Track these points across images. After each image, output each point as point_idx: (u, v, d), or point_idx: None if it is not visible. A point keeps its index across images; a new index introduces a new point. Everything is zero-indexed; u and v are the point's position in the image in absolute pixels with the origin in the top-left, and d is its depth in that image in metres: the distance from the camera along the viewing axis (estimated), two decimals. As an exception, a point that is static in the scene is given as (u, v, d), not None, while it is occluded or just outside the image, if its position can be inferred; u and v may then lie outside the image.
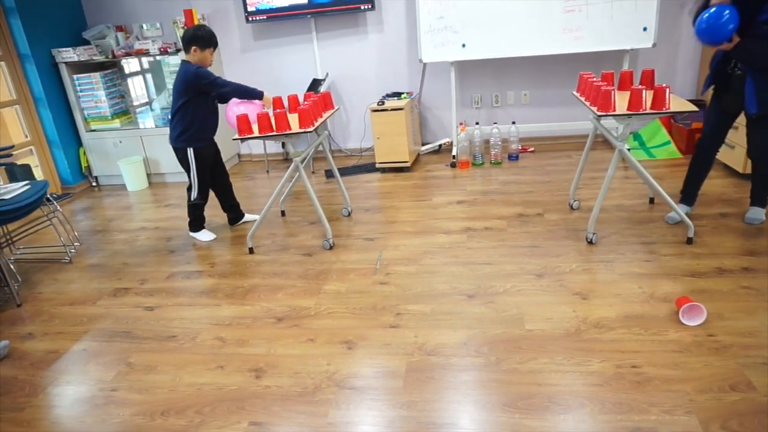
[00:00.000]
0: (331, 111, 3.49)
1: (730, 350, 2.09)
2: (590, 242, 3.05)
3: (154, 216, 4.31)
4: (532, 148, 4.92)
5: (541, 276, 2.77)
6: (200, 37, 3.19)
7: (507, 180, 4.23)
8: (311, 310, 2.69)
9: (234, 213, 3.84)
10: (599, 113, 2.71)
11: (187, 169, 3.45)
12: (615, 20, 4.23)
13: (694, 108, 2.66)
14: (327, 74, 5.05)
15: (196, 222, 3.66)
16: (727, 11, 2.41)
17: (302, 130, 3.00)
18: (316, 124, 3.11)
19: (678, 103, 2.76)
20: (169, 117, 3.39)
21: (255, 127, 3.06)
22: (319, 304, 2.74)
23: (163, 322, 2.72)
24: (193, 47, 3.20)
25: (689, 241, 2.94)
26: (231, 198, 3.80)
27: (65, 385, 2.30)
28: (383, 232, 3.50)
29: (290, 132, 3.01)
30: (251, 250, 3.41)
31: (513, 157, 4.70)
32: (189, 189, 3.53)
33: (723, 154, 3.82)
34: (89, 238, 3.96)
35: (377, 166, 4.70)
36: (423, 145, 5.16)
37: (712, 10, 2.46)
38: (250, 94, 3.29)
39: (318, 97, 3.39)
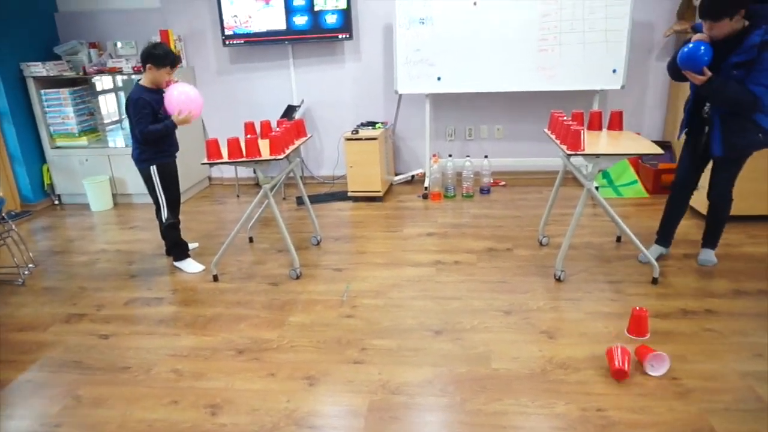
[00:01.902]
0: (304, 138, 3.46)
1: (693, 394, 2.08)
2: (558, 279, 3.06)
3: (117, 238, 4.18)
4: (503, 182, 4.96)
5: (509, 313, 2.75)
6: (155, 56, 3.11)
7: (478, 213, 4.24)
8: (274, 342, 2.61)
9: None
10: (569, 152, 2.74)
11: (152, 189, 3.32)
12: (586, 61, 4.35)
13: (660, 151, 2.71)
14: (302, 101, 5.04)
15: (179, 248, 3.46)
16: (703, 47, 2.57)
17: (272, 157, 2.96)
18: (287, 152, 3.07)
19: (646, 145, 2.82)
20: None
21: (225, 152, 3.01)
22: (282, 336, 2.66)
23: (117, 352, 2.60)
24: (148, 65, 3.12)
25: (654, 281, 2.96)
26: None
27: (5, 419, 2.16)
28: (352, 263, 3.45)
29: (260, 159, 2.97)
30: (215, 278, 3.32)
31: (485, 191, 4.73)
32: (158, 212, 3.38)
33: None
34: (47, 260, 3.80)
35: (349, 194, 4.67)
36: (396, 175, 5.16)
37: (691, 45, 2.61)
38: (168, 130, 3.16)
39: (291, 124, 3.36)
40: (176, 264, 3.48)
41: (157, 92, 3.20)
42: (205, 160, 3.01)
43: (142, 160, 3.27)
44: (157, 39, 4.76)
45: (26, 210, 4.89)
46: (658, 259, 3.11)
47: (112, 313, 3.00)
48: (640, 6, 4.33)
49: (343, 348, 2.53)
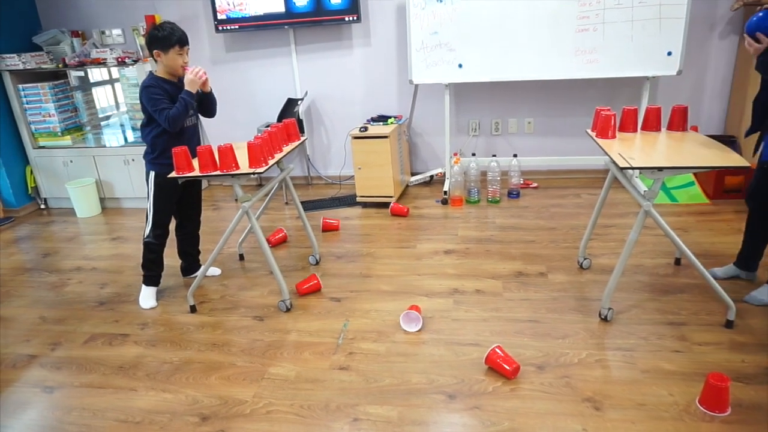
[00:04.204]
0: (295, 143, 2.92)
1: None
2: (604, 319, 2.46)
3: (96, 252, 3.73)
4: (535, 184, 4.33)
5: (542, 368, 2.18)
6: (158, 38, 2.58)
7: (505, 224, 3.64)
8: (247, 405, 2.10)
9: (188, 261, 3.19)
10: (623, 166, 2.13)
11: (147, 198, 2.83)
12: (635, 42, 3.66)
13: (745, 163, 2.07)
14: (306, 93, 4.48)
15: (148, 271, 2.93)
16: None
17: (250, 171, 2.43)
18: (270, 163, 2.53)
19: (723, 155, 2.18)
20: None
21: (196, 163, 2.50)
22: (258, 396, 2.15)
23: (56, 414, 2.13)
24: (155, 51, 2.61)
25: (729, 324, 2.34)
26: (192, 242, 3.15)
27: None
28: (354, 290, 2.91)
29: (237, 172, 2.44)
30: (193, 309, 2.83)
31: (513, 194, 4.12)
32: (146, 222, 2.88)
33: None
34: (12, 279, 3.38)
35: (358, 199, 4.12)
36: (412, 175, 4.58)
37: (761, 13, 2.23)
38: (186, 104, 2.62)
39: (278, 127, 2.82)
40: (143, 287, 2.98)
41: (175, 83, 2.68)
42: (174, 174, 2.50)
43: (147, 160, 2.79)
44: (143, 25, 4.27)
45: (9, 216, 4.49)
46: (731, 287, 2.47)
47: (67, 354, 2.54)
48: (701, -25, 3.61)
49: (331, 417, 2.00)
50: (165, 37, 2.58)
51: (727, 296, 2.34)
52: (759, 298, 2.48)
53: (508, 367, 2.13)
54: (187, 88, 2.62)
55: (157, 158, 2.74)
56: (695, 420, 1.86)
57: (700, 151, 2.26)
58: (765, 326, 2.34)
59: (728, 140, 3.83)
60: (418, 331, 2.48)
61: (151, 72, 2.70)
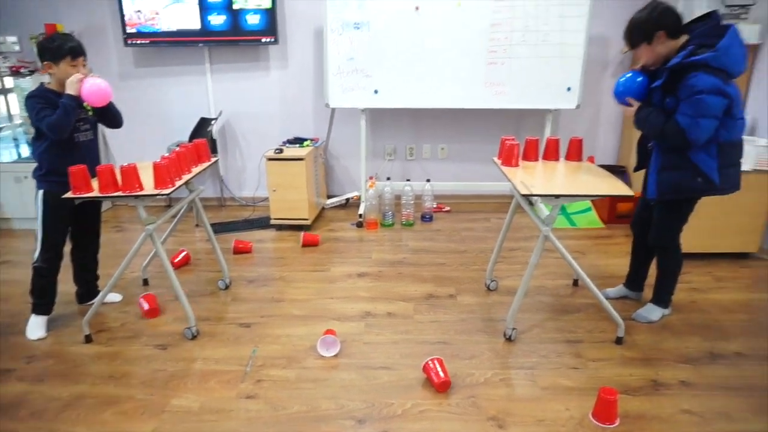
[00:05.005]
0: (205, 164, 2.84)
1: None
2: (509, 339, 2.57)
3: (-21, 278, 3.40)
4: (447, 208, 4.48)
5: (450, 389, 2.23)
6: (47, 48, 2.42)
7: (418, 247, 3.72)
8: (144, 441, 1.98)
9: (85, 287, 2.97)
10: (524, 193, 2.25)
11: (36, 217, 2.60)
12: (539, 77, 3.92)
13: (630, 192, 2.26)
14: (220, 112, 4.38)
15: (37, 298, 2.71)
16: (640, 77, 2.38)
17: (156, 192, 2.33)
18: (178, 184, 2.44)
19: (614, 185, 2.37)
20: None
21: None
22: (158, 431, 2.03)
23: None
24: (45, 63, 2.45)
25: (618, 341, 2.52)
26: (89, 266, 2.94)
27: None
28: (264, 315, 2.85)
29: (140, 193, 2.33)
30: (88, 338, 2.64)
31: (426, 218, 4.22)
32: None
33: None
34: None
35: (272, 222, 4.05)
36: (328, 198, 4.58)
37: (628, 74, 2.42)
38: (66, 108, 2.40)
39: (188, 147, 2.73)
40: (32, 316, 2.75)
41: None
42: (69, 194, 2.34)
43: (35, 177, 2.60)
44: (42, 33, 4.01)
45: None
46: (621, 306, 2.67)
47: (-63, 394, 2.28)
48: (595, 18, 3.92)
49: (236, 449, 1.93)
50: (56, 48, 2.43)
51: (617, 315, 2.52)
52: (644, 315, 2.70)
53: (437, 380, 2.20)
54: (67, 91, 2.44)
55: (46, 175, 2.56)
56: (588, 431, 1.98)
57: (593, 180, 2.45)
58: (649, 342, 2.54)
59: (619, 170, 4.17)
60: (335, 355, 2.46)
61: (41, 83, 2.53)
